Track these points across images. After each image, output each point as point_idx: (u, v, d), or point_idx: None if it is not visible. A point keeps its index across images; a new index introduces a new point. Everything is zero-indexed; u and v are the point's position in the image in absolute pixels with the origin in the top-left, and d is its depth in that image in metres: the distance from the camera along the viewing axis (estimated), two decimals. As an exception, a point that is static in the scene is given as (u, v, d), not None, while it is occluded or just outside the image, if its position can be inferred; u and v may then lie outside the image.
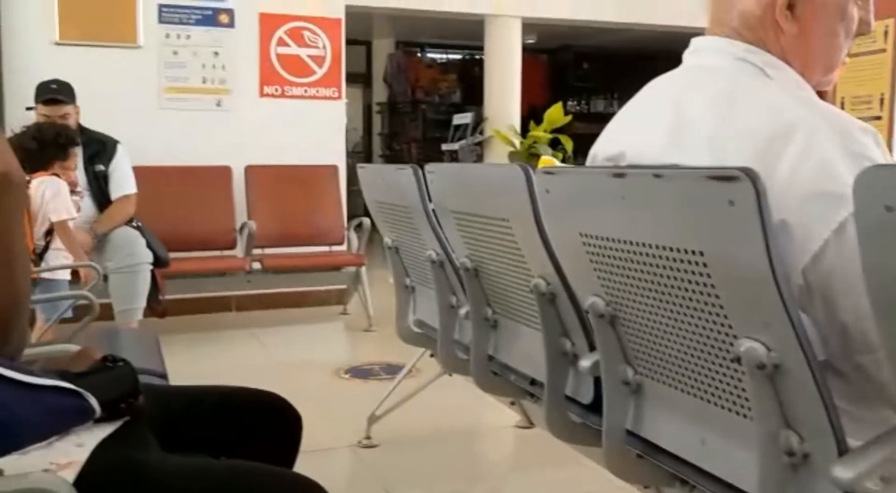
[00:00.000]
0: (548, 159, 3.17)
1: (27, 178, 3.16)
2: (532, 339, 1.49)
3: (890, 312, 0.64)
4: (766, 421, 0.83)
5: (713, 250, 0.82)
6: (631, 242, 0.96)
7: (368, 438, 2.63)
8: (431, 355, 2.58)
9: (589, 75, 11.57)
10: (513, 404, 1.98)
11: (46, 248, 3.23)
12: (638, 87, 1.19)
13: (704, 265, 0.84)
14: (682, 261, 0.87)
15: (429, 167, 1.74)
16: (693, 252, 0.84)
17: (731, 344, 0.84)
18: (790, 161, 0.87)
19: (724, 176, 0.75)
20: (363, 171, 2.44)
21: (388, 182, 2.25)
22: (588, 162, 1.21)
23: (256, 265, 4.43)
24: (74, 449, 0.94)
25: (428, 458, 2.64)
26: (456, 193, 1.62)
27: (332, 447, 2.57)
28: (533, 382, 1.52)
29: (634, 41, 8.83)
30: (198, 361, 3.36)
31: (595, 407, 1.26)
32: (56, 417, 0.97)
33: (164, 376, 1.65)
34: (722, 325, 0.86)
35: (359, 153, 11.19)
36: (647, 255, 0.94)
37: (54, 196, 3.18)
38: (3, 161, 0.99)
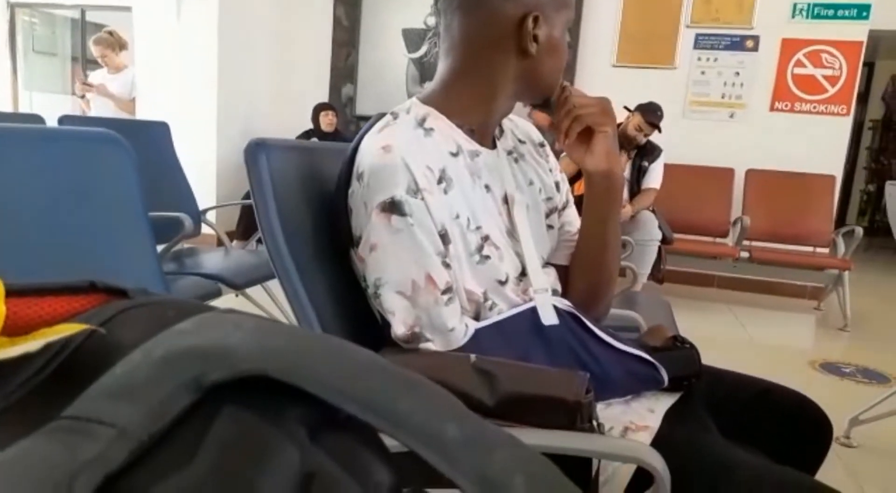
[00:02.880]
0: None
1: None
2: None
3: None
4: None
5: None
6: None
7: (847, 437, 2.15)
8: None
9: None
10: None
11: None
12: None
13: None
14: None
15: None
16: None
17: None
18: None
19: None
20: (895, 189, 1.97)
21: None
22: None
23: (744, 254, 4.05)
24: (647, 414, 0.87)
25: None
26: None
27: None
28: None
29: None
30: (691, 325, 3.17)
31: None
32: (634, 380, 0.91)
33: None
34: None
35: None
36: None
37: None
38: (609, 161, 0.95)
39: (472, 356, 0.80)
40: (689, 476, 0.74)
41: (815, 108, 4.38)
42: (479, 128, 0.94)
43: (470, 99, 0.92)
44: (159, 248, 2.25)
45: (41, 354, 0.27)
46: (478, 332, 0.86)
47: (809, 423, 1.01)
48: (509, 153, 1.01)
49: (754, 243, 4.16)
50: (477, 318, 0.89)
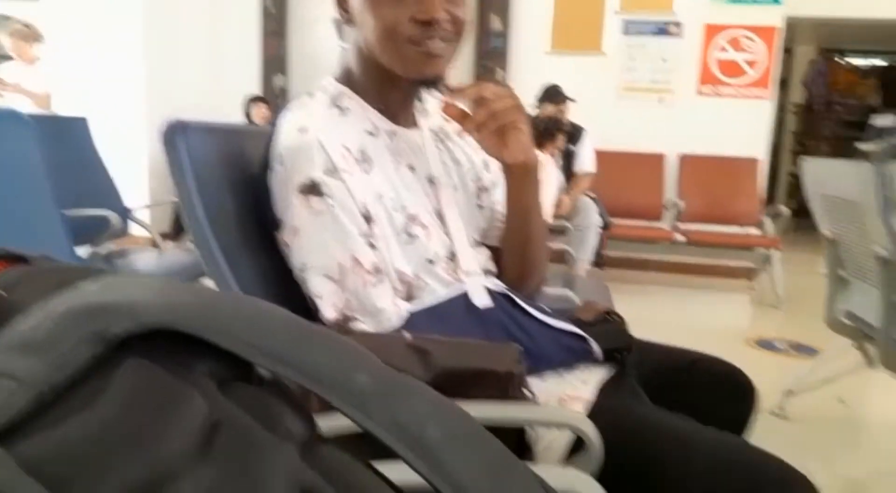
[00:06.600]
0: None
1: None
2: None
3: None
4: None
5: None
6: None
7: (781, 409, 2.26)
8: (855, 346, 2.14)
9: None
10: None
11: None
12: None
13: None
14: None
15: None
16: None
17: None
18: None
19: None
20: (808, 164, 2.09)
21: (837, 177, 1.88)
22: None
23: (679, 237, 4.20)
24: (581, 385, 0.90)
25: (835, 439, 2.20)
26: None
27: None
28: None
29: None
30: (630, 308, 3.22)
31: None
32: (567, 353, 0.93)
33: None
34: None
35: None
36: None
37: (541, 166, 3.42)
38: (525, 153, 0.92)
39: (408, 335, 0.81)
40: (623, 442, 0.77)
41: (738, 92, 4.57)
42: (389, 106, 0.94)
43: (366, 76, 0.92)
44: (87, 249, 2.17)
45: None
46: (412, 316, 0.88)
47: (736, 388, 1.06)
48: (435, 133, 1.02)
49: (688, 226, 4.32)
50: (409, 299, 0.90)
